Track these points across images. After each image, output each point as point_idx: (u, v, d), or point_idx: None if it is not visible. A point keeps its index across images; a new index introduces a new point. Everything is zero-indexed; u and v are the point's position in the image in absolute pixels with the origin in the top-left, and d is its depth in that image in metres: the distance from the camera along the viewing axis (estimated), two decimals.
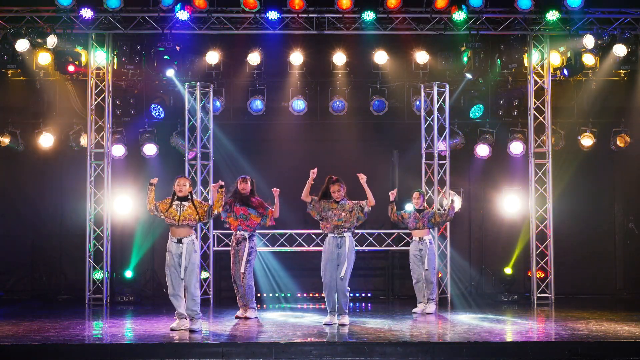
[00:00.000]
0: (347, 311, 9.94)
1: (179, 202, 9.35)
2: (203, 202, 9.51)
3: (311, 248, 13.28)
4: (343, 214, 9.83)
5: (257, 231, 10.71)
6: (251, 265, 10.54)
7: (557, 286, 13.25)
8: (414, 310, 11.51)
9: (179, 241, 9.29)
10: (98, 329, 10.05)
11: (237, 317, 10.66)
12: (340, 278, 9.72)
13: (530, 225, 13.36)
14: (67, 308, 12.35)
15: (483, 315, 11.14)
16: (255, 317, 10.59)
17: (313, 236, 13.33)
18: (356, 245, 13.38)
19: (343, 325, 9.78)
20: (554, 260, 13.26)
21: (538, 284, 13.23)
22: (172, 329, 9.30)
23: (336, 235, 9.84)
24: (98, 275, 13.20)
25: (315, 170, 9.94)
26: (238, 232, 10.53)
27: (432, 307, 11.44)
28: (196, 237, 9.48)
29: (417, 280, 11.59)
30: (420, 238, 11.53)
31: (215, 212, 9.43)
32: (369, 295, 13.83)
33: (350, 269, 9.82)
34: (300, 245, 13.37)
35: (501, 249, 14.04)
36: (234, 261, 10.59)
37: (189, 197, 9.36)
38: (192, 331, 9.21)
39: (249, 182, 10.61)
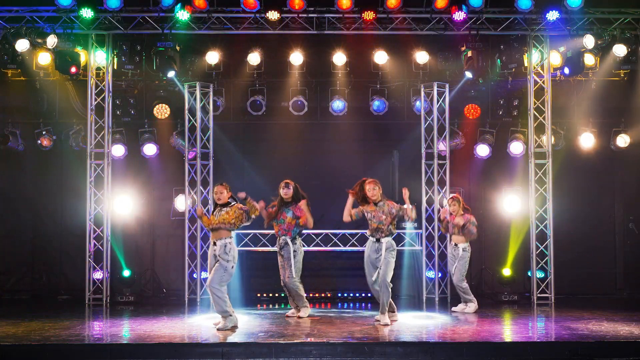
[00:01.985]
0: (387, 309, 10.02)
1: (220, 208, 9.67)
2: (242, 207, 9.65)
3: (311, 248, 13.28)
4: (383, 217, 9.90)
5: (290, 234, 10.66)
6: (297, 267, 10.58)
7: (557, 286, 13.25)
8: (454, 309, 11.72)
9: (214, 243, 9.59)
10: (98, 329, 10.05)
11: (287, 317, 10.85)
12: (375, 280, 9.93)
13: (530, 225, 13.36)
14: (67, 308, 12.35)
15: (483, 315, 11.14)
16: (308, 316, 10.77)
17: (313, 236, 13.33)
18: (357, 245, 13.46)
19: (378, 321, 9.96)
20: (554, 260, 13.26)
21: (538, 284, 13.23)
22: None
23: (374, 239, 9.95)
24: (98, 275, 13.20)
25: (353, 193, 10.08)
26: (280, 238, 10.67)
27: (471, 307, 11.51)
28: (231, 242, 9.57)
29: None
30: (455, 244, 11.59)
31: (253, 216, 9.71)
32: (369, 295, 13.78)
33: (387, 270, 9.87)
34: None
35: (501, 249, 14.03)
36: (280, 266, 10.77)
37: (230, 203, 9.65)
38: (217, 329, 9.51)
39: (291, 187, 10.64)
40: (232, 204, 9.68)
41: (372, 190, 9.93)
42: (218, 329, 9.48)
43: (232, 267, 9.52)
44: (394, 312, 10.37)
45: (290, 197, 10.63)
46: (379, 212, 9.91)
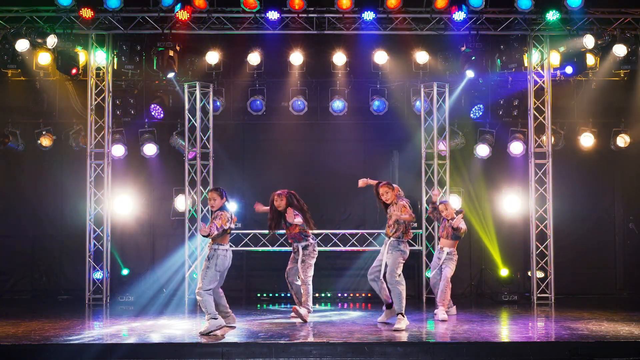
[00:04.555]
0: (399, 312, 9.81)
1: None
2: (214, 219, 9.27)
3: None
4: (391, 222, 9.99)
5: (307, 237, 10.53)
6: (304, 270, 10.46)
7: (557, 286, 13.25)
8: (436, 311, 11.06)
9: None
10: (98, 329, 10.06)
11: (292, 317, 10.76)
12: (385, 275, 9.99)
13: (530, 225, 13.37)
14: (67, 308, 12.35)
15: (483, 315, 11.14)
16: (306, 316, 10.45)
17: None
18: (356, 245, 13.46)
19: (393, 329, 9.68)
20: (554, 260, 13.26)
21: (538, 284, 13.23)
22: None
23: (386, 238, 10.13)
24: (98, 275, 13.20)
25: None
26: (293, 243, 10.63)
27: (439, 314, 10.80)
28: (217, 248, 9.29)
29: (432, 285, 11.41)
30: (441, 247, 11.15)
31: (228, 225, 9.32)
32: (369, 295, 13.80)
33: (390, 265, 9.91)
34: None
35: (501, 249, 14.01)
36: (292, 259, 10.69)
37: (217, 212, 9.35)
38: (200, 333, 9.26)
39: (284, 198, 10.43)
40: (217, 213, 9.28)
41: (385, 195, 10.09)
42: (200, 333, 9.17)
43: (212, 272, 9.15)
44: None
45: (284, 208, 10.42)
46: (388, 217, 10.09)
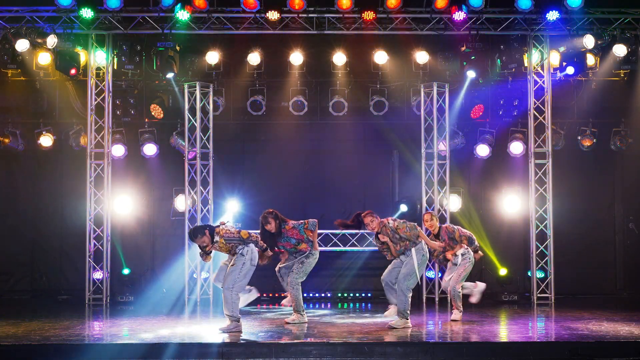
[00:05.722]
0: (402, 312, 9.51)
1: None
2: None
3: None
4: (383, 247, 9.69)
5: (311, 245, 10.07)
6: (297, 273, 10.05)
7: (557, 286, 13.25)
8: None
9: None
10: (98, 329, 10.06)
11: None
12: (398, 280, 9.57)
13: (530, 225, 13.38)
14: (67, 308, 12.36)
15: (483, 315, 11.13)
16: (297, 321, 10.10)
17: None
18: (357, 245, 13.47)
19: (390, 327, 9.53)
20: (554, 260, 13.26)
21: (538, 284, 13.23)
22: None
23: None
24: (98, 275, 13.21)
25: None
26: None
27: (454, 314, 10.69)
28: (245, 251, 9.26)
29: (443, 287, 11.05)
30: (454, 254, 10.72)
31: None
32: (369, 295, 13.83)
33: (410, 272, 9.48)
34: None
35: (501, 249, 14.02)
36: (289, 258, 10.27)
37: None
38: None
39: (272, 220, 9.90)
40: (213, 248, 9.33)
41: (370, 224, 9.66)
42: (222, 330, 9.27)
43: (248, 265, 9.20)
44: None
45: (275, 229, 9.91)
46: (379, 243, 9.73)
